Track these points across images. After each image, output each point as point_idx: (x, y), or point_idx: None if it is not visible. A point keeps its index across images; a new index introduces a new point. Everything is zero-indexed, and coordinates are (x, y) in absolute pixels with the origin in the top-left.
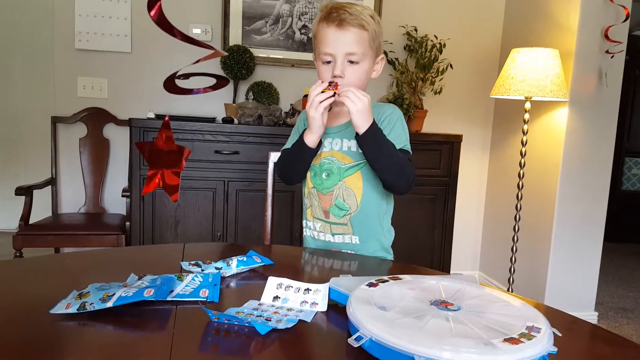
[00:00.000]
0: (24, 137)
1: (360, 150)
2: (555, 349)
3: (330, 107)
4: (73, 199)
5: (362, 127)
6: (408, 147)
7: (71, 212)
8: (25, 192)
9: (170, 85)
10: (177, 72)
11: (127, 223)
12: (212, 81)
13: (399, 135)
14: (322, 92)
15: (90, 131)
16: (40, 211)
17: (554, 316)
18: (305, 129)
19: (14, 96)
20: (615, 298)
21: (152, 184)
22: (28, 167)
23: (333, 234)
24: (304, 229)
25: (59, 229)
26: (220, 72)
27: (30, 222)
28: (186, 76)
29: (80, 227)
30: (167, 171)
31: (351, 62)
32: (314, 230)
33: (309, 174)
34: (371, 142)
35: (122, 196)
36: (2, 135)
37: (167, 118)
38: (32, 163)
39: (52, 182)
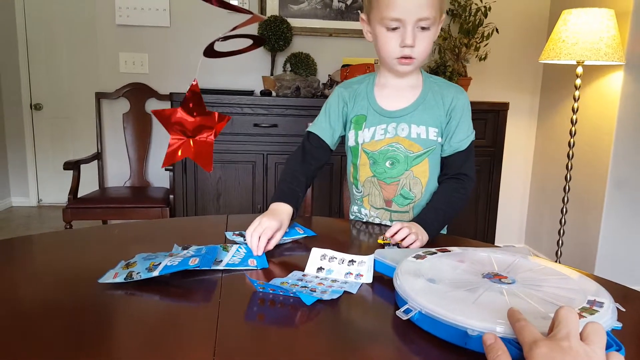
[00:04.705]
0: (70, 113)
1: (430, 137)
2: (619, 325)
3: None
4: (119, 172)
5: (433, 235)
6: (472, 136)
7: (117, 185)
8: (73, 166)
9: (210, 52)
10: (215, 40)
11: (171, 196)
12: (250, 42)
13: (465, 130)
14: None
15: (132, 106)
16: (88, 185)
17: (610, 289)
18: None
19: (60, 74)
20: None
21: (173, 156)
22: (75, 143)
23: (391, 221)
24: (355, 214)
25: (106, 202)
26: None
27: (79, 195)
28: (224, 39)
29: (126, 201)
30: (195, 140)
31: (422, 28)
32: (369, 217)
33: (365, 162)
34: (441, 228)
35: (165, 170)
36: (50, 112)
37: (194, 82)
38: (79, 138)
39: (98, 156)
